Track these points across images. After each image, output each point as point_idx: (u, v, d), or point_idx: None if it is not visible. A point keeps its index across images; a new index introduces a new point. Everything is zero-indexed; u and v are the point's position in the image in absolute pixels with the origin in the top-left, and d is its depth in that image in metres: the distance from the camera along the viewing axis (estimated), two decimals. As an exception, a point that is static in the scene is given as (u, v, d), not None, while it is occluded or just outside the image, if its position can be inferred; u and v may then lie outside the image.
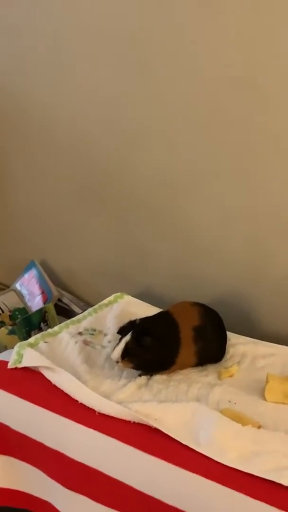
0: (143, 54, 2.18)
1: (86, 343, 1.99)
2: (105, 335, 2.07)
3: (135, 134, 2.33)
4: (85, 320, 2.16)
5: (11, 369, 1.82)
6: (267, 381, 1.75)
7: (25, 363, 1.82)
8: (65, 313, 2.67)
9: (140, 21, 2.14)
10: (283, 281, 2.17)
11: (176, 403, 1.66)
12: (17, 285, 2.80)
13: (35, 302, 2.66)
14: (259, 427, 1.59)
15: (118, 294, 2.35)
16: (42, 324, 2.49)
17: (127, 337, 1.77)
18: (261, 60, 1.94)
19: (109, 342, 2.01)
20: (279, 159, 2.03)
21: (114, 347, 1.80)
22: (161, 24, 2.09)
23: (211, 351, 1.94)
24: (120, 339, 1.79)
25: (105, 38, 2.24)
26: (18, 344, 1.90)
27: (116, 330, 1.90)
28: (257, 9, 1.89)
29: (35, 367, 1.81)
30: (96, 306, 2.28)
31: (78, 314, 2.29)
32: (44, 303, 2.59)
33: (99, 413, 1.63)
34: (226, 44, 1.98)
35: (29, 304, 2.71)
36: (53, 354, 1.89)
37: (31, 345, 1.91)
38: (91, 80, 2.36)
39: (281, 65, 1.90)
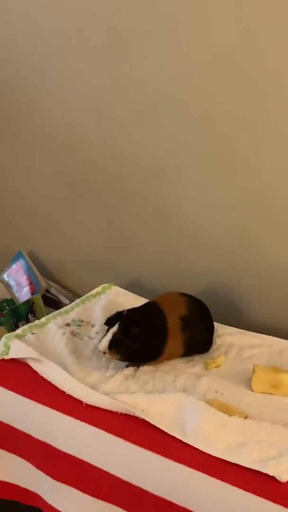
0: (130, 39, 2.17)
1: (73, 334, 1.99)
2: (93, 326, 2.08)
3: (123, 123, 2.32)
4: (73, 311, 2.16)
5: (-2, 360, 1.82)
6: (253, 372, 1.76)
7: (12, 354, 1.82)
8: (53, 304, 2.67)
9: (127, 5, 2.13)
10: (270, 271, 2.18)
11: (162, 394, 1.66)
12: (5, 276, 2.79)
13: (23, 293, 2.65)
14: (245, 417, 1.59)
15: (106, 285, 2.35)
16: (29, 315, 2.48)
17: (114, 328, 1.77)
18: (252, 48, 1.93)
19: (97, 333, 2.01)
20: (267, 146, 2.03)
21: (101, 338, 1.80)
22: (150, 8, 2.08)
23: (198, 342, 1.94)
24: (107, 330, 1.79)
25: (92, 23, 2.23)
26: (5, 335, 1.90)
27: (104, 321, 1.90)
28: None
29: (22, 358, 1.80)
30: (83, 297, 2.28)
31: (66, 305, 2.29)
32: (32, 294, 2.59)
33: (86, 404, 1.64)
34: (216, 30, 1.97)
35: (16, 295, 2.70)
36: (40, 346, 1.88)
37: (19, 337, 1.91)
38: (78, 66, 2.35)
39: (273, 54, 1.90)
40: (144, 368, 1.84)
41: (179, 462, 1.46)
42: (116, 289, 2.33)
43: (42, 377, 1.74)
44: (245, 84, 1.98)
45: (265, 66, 1.93)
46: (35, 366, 1.77)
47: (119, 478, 1.51)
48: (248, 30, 1.92)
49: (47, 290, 2.70)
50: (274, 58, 1.90)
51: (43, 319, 2.07)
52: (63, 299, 2.69)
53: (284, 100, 1.94)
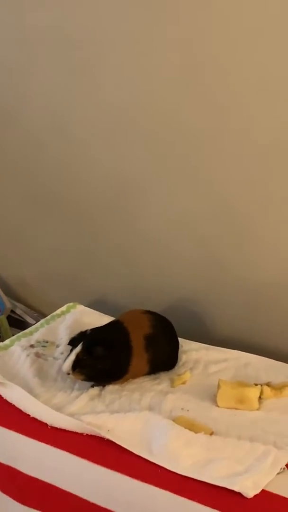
0: (87, 57, 2.17)
1: (38, 355, 1.97)
2: (58, 346, 2.06)
3: (82, 139, 2.32)
4: (37, 332, 2.14)
5: None
6: (218, 387, 1.76)
7: (-24, 378, 1.79)
8: (19, 324, 2.65)
9: (87, 24, 2.14)
10: (233, 286, 2.18)
11: (128, 413, 1.65)
12: None
13: (-12, 315, 2.63)
14: (211, 433, 1.59)
15: (71, 304, 2.34)
16: (-6, 337, 2.47)
17: (78, 348, 1.76)
18: (209, 63, 1.94)
19: (62, 353, 2.00)
20: (231, 160, 2.03)
21: (65, 359, 1.79)
22: (111, 26, 2.09)
23: (163, 359, 1.94)
24: (71, 351, 1.78)
25: (51, 44, 2.24)
26: None
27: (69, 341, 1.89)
28: (205, 12, 1.91)
29: (-15, 382, 1.79)
30: (48, 317, 2.26)
31: (32, 325, 2.27)
32: (-3, 316, 2.57)
33: (51, 427, 1.62)
34: (173, 47, 1.99)
35: (-19, 317, 2.68)
36: (5, 368, 1.87)
37: (-18, 360, 1.89)
38: (35, 84, 2.35)
39: (232, 69, 1.92)
40: (110, 388, 1.83)
41: (146, 481, 1.45)
42: (81, 308, 2.31)
43: (6, 401, 1.72)
44: (207, 99, 1.98)
45: (227, 81, 1.93)
46: (-1, 389, 1.76)
47: (85, 500, 1.50)
48: (210, 48, 1.93)
49: (12, 311, 2.68)
50: (236, 73, 1.92)
51: (7, 341, 2.05)
52: (29, 319, 2.67)
53: (245, 115, 1.95)
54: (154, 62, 2.03)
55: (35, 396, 1.72)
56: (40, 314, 2.70)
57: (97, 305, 2.38)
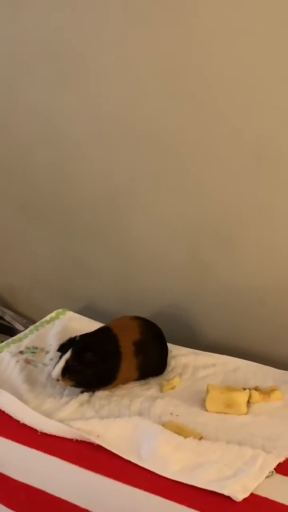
0: (78, 65, 2.18)
1: (27, 362, 1.98)
2: (47, 352, 2.06)
3: (73, 147, 2.33)
4: (26, 338, 2.15)
5: None
6: (207, 392, 1.77)
7: None
8: (8, 331, 2.65)
9: (74, 33, 2.15)
10: (222, 291, 2.19)
11: (118, 419, 1.66)
12: None
13: (-24, 322, 2.63)
14: (200, 438, 1.60)
15: (60, 310, 2.34)
16: (-17, 344, 2.46)
17: (67, 354, 1.77)
18: (203, 69, 1.95)
19: (51, 359, 2.00)
20: (218, 167, 2.05)
21: (55, 365, 1.79)
22: (97, 37, 2.10)
23: (152, 365, 1.95)
24: (60, 357, 1.79)
25: (40, 49, 2.25)
26: None
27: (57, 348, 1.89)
28: (187, 23, 1.92)
29: (-25, 389, 1.79)
30: (37, 324, 2.26)
31: (21, 331, 2.27)
32: (-15, 323, 2.57)
33: (41, 433, 1.63)
34: (160, 56, 2.00)
35: None
36: (-6, 375, 1.87)
37: (-28, 367, 1.89)
38: (25, 92, 2.36)
39: (217, 77, 1.93)
40: (99, 393, 1.84)
41: (136, 486, 1.45)
42: (70, 314, 2.32)
43: (-4, 407, 1.73)
44: (199, 106, 2.00)
45: (222, 87, 1.94)
46: (-12, 396, 1.76)
47: (76, 506, 1.50)
48: (202, 53, 1.94)
49: (1, 317, 2.68)
50: (229, 80, 1.93)
51: (-4, 348, 2.05)
52: (18, 326, 2.67)
53: (238, 123, 1.96)
54: (147, 69, 2.05)
55: (25, 402, 1.73)
56: (29, 321, 2.69)
57: (86, 311, 2.39)
